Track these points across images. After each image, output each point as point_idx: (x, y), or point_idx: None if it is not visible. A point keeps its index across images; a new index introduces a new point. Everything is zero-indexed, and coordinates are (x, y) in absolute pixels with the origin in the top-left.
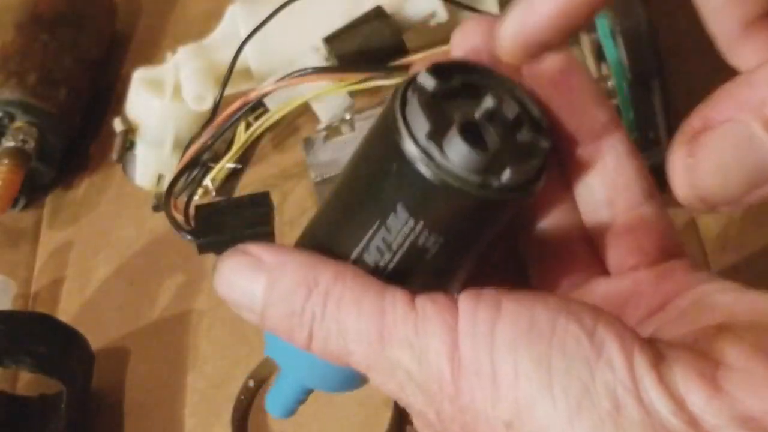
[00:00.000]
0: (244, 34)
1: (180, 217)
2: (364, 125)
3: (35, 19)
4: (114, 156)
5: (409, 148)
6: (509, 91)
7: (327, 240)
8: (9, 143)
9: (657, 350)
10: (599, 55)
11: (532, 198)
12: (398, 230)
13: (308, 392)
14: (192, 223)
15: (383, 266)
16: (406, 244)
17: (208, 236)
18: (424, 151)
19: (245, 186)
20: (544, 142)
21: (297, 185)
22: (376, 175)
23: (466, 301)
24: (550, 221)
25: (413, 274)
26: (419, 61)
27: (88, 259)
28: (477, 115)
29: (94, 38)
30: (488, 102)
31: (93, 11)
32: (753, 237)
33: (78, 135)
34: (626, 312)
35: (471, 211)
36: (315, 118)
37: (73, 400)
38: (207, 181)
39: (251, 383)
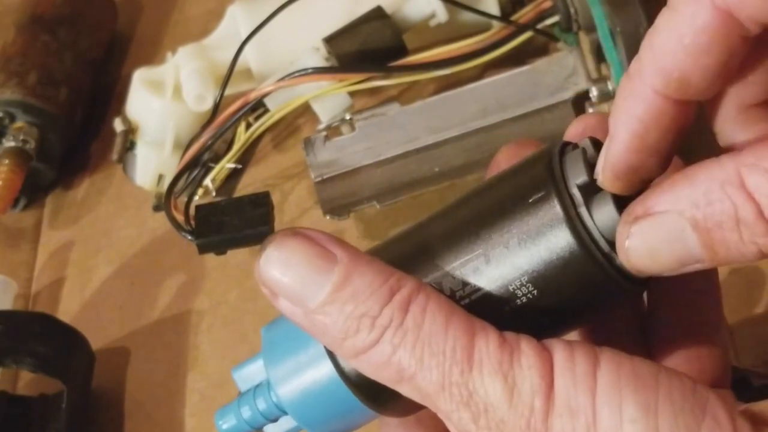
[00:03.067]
0: (244, 34)
1: (180, 217)
2: (364, 125)
3: (36, 20)
4: (114, 156)
5: (558, 187)
6: None
7: (411, 252)
8: (9, 143)
9: (754, 417)
10: (599, 55)
11: (632, 296)
12: (497, 265)
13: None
14: (192, 223)
15: (459, 297)
16: (498, 284)
17: (209, 236)
18: (570, 197)
19: (245, 186)
20: None
21: (297, 185)
22: (504, 204)
23: (558, 344)
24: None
25: (487, 317)
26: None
27: (88, 259)
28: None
29: (95, 38)
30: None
31: (93, 11)
32: None
33: (78, 135)
34: None
35: (579, 275)
36: (315, 118)
37: (73, 400)
38: (207, 181)
39: None
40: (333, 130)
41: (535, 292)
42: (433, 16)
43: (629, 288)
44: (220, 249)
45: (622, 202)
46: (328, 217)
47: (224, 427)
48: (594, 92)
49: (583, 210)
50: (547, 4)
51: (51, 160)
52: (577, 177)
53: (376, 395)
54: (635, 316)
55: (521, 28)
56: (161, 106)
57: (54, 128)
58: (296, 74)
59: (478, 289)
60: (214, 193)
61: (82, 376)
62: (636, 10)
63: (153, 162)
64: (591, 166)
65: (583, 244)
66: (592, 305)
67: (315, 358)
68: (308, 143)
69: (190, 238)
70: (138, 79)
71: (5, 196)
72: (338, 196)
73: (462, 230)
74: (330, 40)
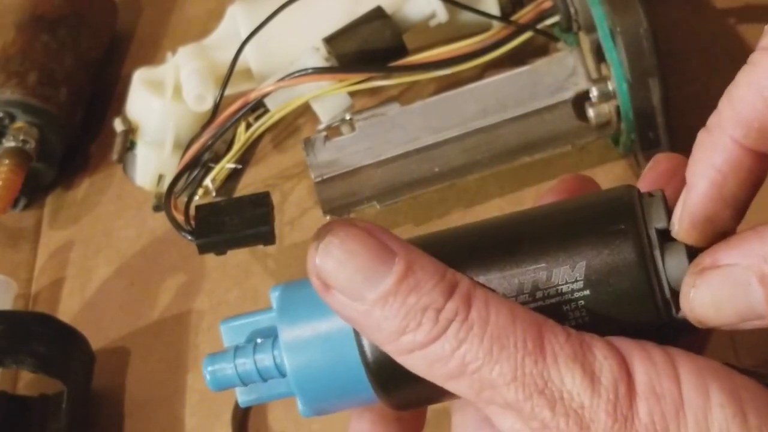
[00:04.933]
0: (244, 35)
1: (180, 217)
2: (364, 125)
3: (36, 20)
4: (114, 156)
5: (638, 224)
6: None
7: (468, 251)
8: (10, 143)
9: None
10: (599, 55)
11: (669, 343)
12: (557, 284)
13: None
14: (192, 223)
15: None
16: (553, 301)
17: (209, 236)
18: (648, 238)
19: (245, 186)
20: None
21: (297, 185)
22: (581, 226)
23: (622, 341)
24: None
25: None
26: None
27: (88, 259)
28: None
29: (95, 38)
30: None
31: (93, 11)
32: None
33: (78, 135)
34: None
35: (634, 314)
36: (315, 118)
37: (73, 400)
38: (207, 182)
39: None
40: (333, 130)
41: (587, 318)
42: (433, 16)
43: (674, 336)
44: (220, 249)
45: (693, 255)
46: (328, 217)
47: (210, 375)
48: (594, 92)
49: (657, 253)
50: (547, 4)
51: (51, 160)
52: (657, 221)
53: (391, 385)
54: None
55: (521, 28)
56: (161, 106)
57: (54, 128)
58: (296, 74)
59: (533, 301)
60: (214, 193)
61: (82, 376)
62: (636, 10)
63: (153, 162)
64: (669, 215)
65: (650, 285)
66: (632, 334)
67: (337, 333)
68: (308, 143)
69: (190, 238)
70: (138, 79)
71: (5, 196)
72: (338, 196)
73: (532, 238)
74: (330, 40)
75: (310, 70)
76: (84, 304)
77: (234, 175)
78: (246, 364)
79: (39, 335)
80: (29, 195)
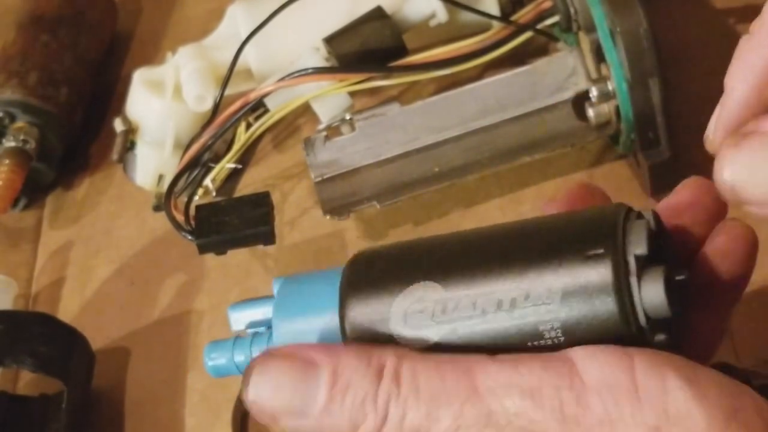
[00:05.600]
0: (244, 35)
1: (180, 217)
2: (364, 125)
3: (36, 20)
4: (114, 156)
5: (617, 250)
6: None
7: (447, 263)
8: (10, 143)
9: None
10: (599, 55)
11: None
12: (535, 303)
13: None
14: (192, 223)
15: (489, 319)
16: (530, 319)
17: (209, 236)
18: (626, 263)
19: (245, 186)
20: (676, 345)
21: (297, 185)
22: (562, 246)
23: (576, 348)
24: None
25: (509, 349)
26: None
27: (88, 259)
28: (676, 276)
29: (95, 38)
30: (685, 275)
31: (93, 11)
32: None
33: (78, 135)
34: None
35: (608, 339)
36: (315, 118)
37: (73, 400)
38: (207, 181)
39: None
40: (333, 130)
41: (562, 338)
42: (433, 16)
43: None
44: (220, 249)
45: (672, 282)
46: (328, 217)
47: (210, 363)
48: (594, 92)
49: (633, 280)
50: (547, 4)
51: (51, 160)
52: (637, 247)
53: None
54: None
55: (521, 28)
56: (161, 106)
57: (54, 128)
58: (296, 74)
59: (510, 318)
60: (214, 193)
61: (83, 376)
62: (636, 10)
63: (153, 162)
64: (651, 241)
65: (624, 313)
66: None
67: (328, 329)
68: (308, 143)
69: (190, 238)
70: (138, 79)
71: (5, 196)
72: (338, 196)
73: (512, 257)
74: (330, 40)
75: (310, 70)
76: (84, 304)
77: (234, 175)
78: (243, 356)
79: (39, 335)
80: (29, 195)
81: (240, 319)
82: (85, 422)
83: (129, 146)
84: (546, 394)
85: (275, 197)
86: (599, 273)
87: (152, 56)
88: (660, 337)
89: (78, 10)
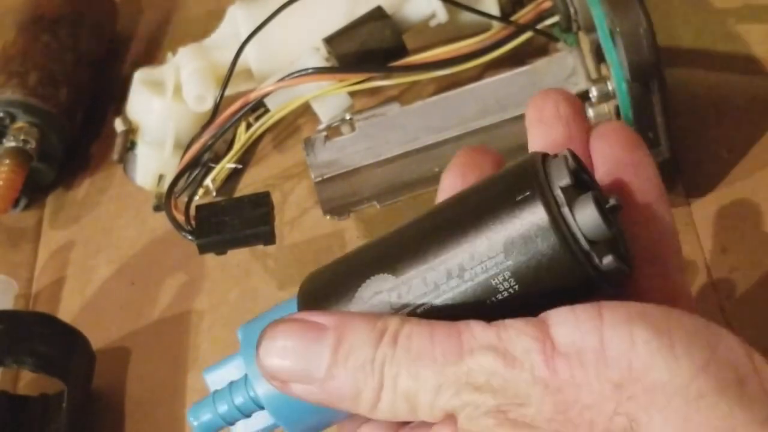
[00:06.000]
0: (244, 35)
1: (181, 217)
2: (364, 125)
3: (36, 20)
4: (115, 156)
5: (543, 187)
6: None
7: (400, 249)
8: (10, 143)
9: None
10: (599, 55)
11: (606, 297)
12: (481, 261)
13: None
14: (192, 223)
15: (443, 290)
16: (481, 278)
17: (209, 236)
18: (554, 198)
19: (245, 186)
20: (630, 260)
21: (297, 185)
22: (490, 202)
23: (555, 309)
24: None
25: (469, 310)
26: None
27: (88, 259)
28: (609, 203)
29: (95, 38)
30: (615, 200)
31: (94, 12)
32: (752, 237)
33: (79, 135)
34: None
35: (560, 272)
36: (315, 118)
37: (73, 400)
38: (207, 181)
39: None
40: (333, 130)
41: (516, 287)
42: (433, 16)
43: (605, 287)
44: (220, 249)
45: (603, 205)
46: (328, 217)
47: (196, 423)
48: (594, 92)
49: (565, 210)
50: (547, 4)
51: (51, 160)
52: (560, 180)
53: None
54: None
55: (521, 29)
56: (161, 106)
57: (54, 128)
58: (296, 74)
59: (463, 283)
60: (214, 193)
61: (83, 376)
62: (636, 10)
63: (153, 162)
64: (572, 172)
65: (565, 242)
66: (569, 300)
67: None
68: (308, 143)
69: (190, 238)
70: (138, 80)
71: (6, 196)
72: (338, 196)
73: (448, 227)
74: (330, 40)
75: (310, 70)
76: (84, 303)
77: (234, 175)
78: (225, 406)
79: (39, 335)
80: (30, 195)
81: (216, 380)
82: (85, 422)
83: (129, 146)
84: (519, 357)
85: (275, 197)
86: (532, 213)
87: (152, 56)
88: (608, 259)
89: (78, 10)
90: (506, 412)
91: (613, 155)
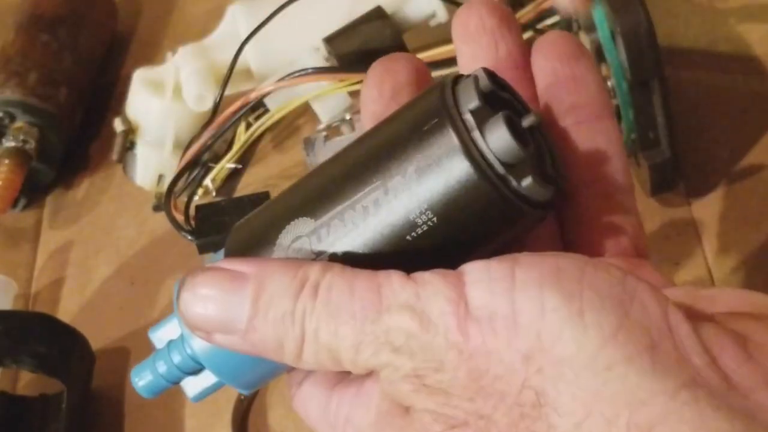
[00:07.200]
0: (244, 34)
1: (180, 217)
2: None
3: (36, 20)
4: (114, 156)
5: (451, 113)
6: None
7: (316, 191)
8: (9, 143)
9: (687, 310)
10: (599, 55)
11: (534, 221)
12: (396, 194)
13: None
14: (192, 223)
15: (362, 228)
16: (399, 213)
17: (209, 236)
18: (463, 122)
19: (245, 186)
20: (561, 180)
21: None
22: (402, 133)
23: (473, 264)
24: None
25: (391, 251)
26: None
27: (88, 259)
28: (523, 123)
29: (95, 38)
30: (531, 118)
31: (93, 11)
32: (753, 237)
33: (78, 135)
34: None
35: (477, 199)
36: (315, 118)
37: (73, 400)
38: (207, 181)
39: None
40: (333, 130)
41: (435, 219)
42: (433, 16)
43: (529, 211)
44: (219, 249)
45: (515, 126)
46: None
47: (140, 384)
48: None
49: (476, 134)
50: (547, 4)
51: (51, 160)
52: (469, 103)
53: None
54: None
55: (521, 28)
56: (161, 106)
57: (54, 128)
58: (296, 74)
59: (381, 219)
60: (214, 193)
61: (82, 377)
62: (636, 10)
63: (153, 162)
64: (484, 94)
65: (478, 167)
66: (494, 229)
67: None
68: (308, 143)
69: (190, 238)
70: (138, 79)
71: (5, 196)
72: None
73: (361, 164)
74: (330, 40)
75: (310, 70)
76: (84, 304)
77: (234, 175)
78: (165, 365)
79: (39, 335)
80: (29, 195)
81: (162, 337)
82: (84, 423)
83: (129, 146)
84: (434, 319)
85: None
86: (441, 140)
87: (152, 56)
88: (527, 181)
89: (78, 10)
90: (423, 377)
91: (551, 69)
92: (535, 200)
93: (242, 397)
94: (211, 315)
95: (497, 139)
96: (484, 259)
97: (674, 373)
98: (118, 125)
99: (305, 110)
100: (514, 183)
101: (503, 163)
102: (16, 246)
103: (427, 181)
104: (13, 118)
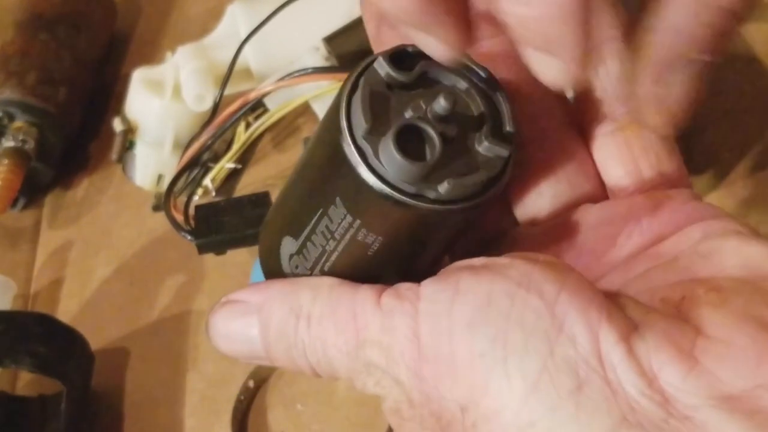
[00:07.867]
0: (244, 34)
1: (180, 217)
2: None
3: (35, 19)
4: (114, 156)
5: (346, 145)
6: (481, 84)
7: (287, 219)
8: (9, 143)
9: (629, 319)
10: None
11: (479, 209)
12: (339, 222)
13: None
14: (192, 223)
15: (330, 251)
16: (348, 237)
17: (208, 236)
18: (359, 152)
19: (245, 186)
20: (503, 150)
21: None
22: (321, 165)
23: (427, 285)
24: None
25: (365, 266)
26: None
27: (87, 259)
28: (429, 115)
29: (94, 38)
30: (440, 104)
31: (93, 11)
32: None
33: (78, 135)
34: (618, 242)
35: (405, 218)
36: (315, 118)
37: (72, 401)
38: (207, 181)
39: (251, 383)
40: None
41: (380, 238)
42: None
43: (463, 206)
44: (219, 249)
45: (402, 143)
46: None
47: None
48: None
49: (374, 161)
50: None
51: (50, 160)
52: (359, 128)
53: None
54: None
55: None
56: (161, 105)
57: (53, 128)
58: (296, 74)
59: (339, 242)
60: (213, 193)
61: (82, 377)
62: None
63: (152, 162)
64: (376, 103)
65: (388, 196)
66: (441, 234)
67: None
68: (308, 143)
69: (189, 238)
70: (137, 79)
71: (4, 196)
72: None
73: (307, 188)
74: (330, 40)
75: (310, 70)
76: (83, 304)
77: (234, 175)
78: None
79: (38, 335)
80: (28, 195)
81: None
82: (84, 423)
83: (128, 146)
84: (396, 357)
85: (275, 197)
86: (350, 174)
87: (152, 56)
88: (444, 187)
89: (77, 9)
90: (400, 411)
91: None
92: (468, 195)
93: (242, 397)
94: (236, 350)
95: (392, 164)
96: (441, 269)
97: (602, 416)
98: (117, 125)
99: (305, 110)
100: (431, 194)
101: (408, 182)
102: (16, 246)
103: (355, 209)
104: (12, 118)
